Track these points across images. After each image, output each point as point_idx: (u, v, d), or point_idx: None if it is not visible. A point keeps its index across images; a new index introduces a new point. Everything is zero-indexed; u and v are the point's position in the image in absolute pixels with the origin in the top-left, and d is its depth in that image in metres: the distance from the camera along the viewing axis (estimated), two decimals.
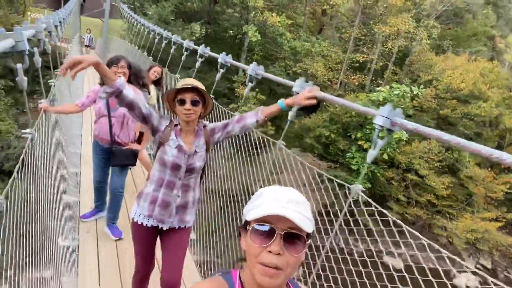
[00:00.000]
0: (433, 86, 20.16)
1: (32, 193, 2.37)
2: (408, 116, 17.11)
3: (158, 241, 2.48)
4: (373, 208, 2.25)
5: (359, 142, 17.94)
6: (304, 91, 2.38)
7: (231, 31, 21.36)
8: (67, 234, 3.58)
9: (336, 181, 2.55)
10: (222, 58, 3.93)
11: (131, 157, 3.62)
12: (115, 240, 3.70)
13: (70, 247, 3.50)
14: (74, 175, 4.80)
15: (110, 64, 3.59)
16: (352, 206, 2.29)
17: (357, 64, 21.27)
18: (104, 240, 3.69)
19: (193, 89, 2.12)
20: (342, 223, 2.39)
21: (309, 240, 0.95)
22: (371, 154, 2.17)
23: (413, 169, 18.24)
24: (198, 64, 4.65)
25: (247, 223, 0.97)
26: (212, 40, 20.94)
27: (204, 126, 2.32)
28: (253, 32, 19.48)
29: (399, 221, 2.18)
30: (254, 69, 3.30)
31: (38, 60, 2.95)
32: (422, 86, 19.34)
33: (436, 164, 18.22)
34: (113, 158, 3.54)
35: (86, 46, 18.10)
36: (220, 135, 2.33)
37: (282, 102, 2.37)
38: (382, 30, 20.17)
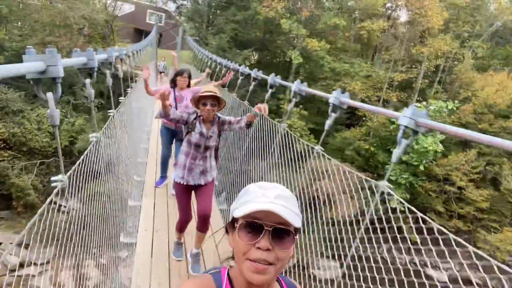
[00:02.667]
0: (472, 103, 18.49)
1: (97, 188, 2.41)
2: None
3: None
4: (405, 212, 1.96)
5: None
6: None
7: (285, 58, 21.45)
8: (129, 230, 3.63)
9: (360, 176, 2.30)
10: (272, 79, 4.07)
11: None
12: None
13: (130, 244, 3.55)
14: (139, 182, 4.94)
15: (177, 74, 4.44)
16: (381, 213, 2.00)
17: (397, 83, 20.15)
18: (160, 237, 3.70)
19: (212, 96, 2.63)
20: (369, 228, 2.11)
21: (297, 236, 0.83)
22: (396, 153, 1.96)
23: (452, 181, 16.67)
24: (251, 87, 4.75)
25: (235, 220, 0.84)
26: (264, 65, 21.16)
27: (219, 118, 2.86)
28: (296, 56, 19.52)
29: (454, 236, 1.80)
30: (297, 86, 3.30)
31: (109, 80, 3.19)
32: (457, 101, 17.86)
33: (474, 177, 16.50)
34: (180, 134, 4.41)
35: (160, 72, 19.17)
36: (226, 127, 2.89)
37: (254, 111, 2.84)
38: (421, 51, 19.02)
